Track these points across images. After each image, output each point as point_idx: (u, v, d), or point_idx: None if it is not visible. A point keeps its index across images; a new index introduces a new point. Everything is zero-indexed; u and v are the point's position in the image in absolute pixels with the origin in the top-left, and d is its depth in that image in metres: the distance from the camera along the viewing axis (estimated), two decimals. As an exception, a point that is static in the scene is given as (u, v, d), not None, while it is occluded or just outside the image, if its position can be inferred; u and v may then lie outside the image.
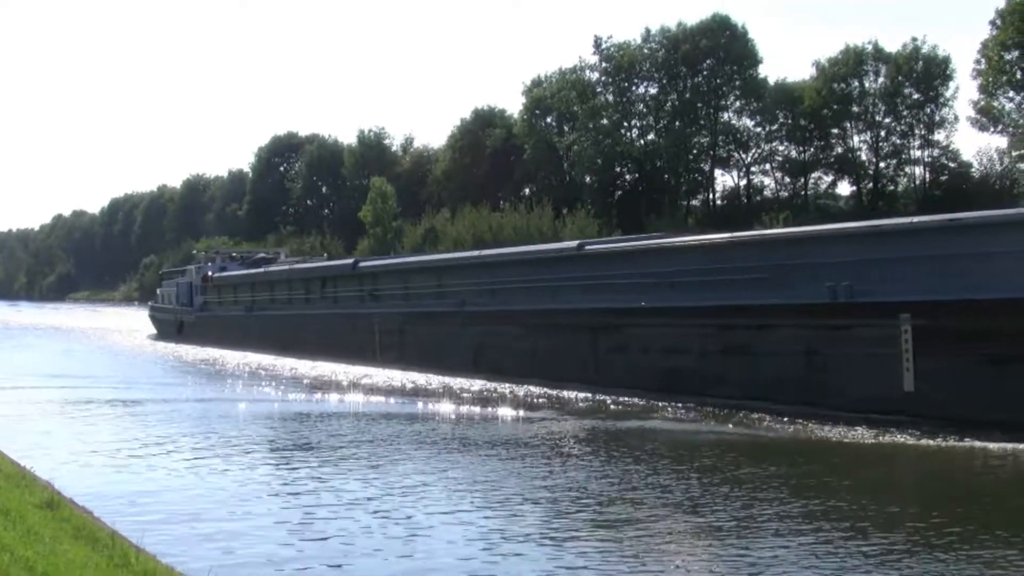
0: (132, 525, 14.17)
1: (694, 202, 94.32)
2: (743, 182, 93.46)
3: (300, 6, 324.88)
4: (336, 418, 27.21)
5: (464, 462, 19.97)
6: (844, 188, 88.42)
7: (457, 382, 33.79)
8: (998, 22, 66.81)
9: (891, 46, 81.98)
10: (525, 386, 31.53)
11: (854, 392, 22.89)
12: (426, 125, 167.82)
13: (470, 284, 37.39)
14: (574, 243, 34.36)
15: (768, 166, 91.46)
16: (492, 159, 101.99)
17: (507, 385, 32.18)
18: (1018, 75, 66.71)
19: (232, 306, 60.82)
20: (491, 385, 32.64)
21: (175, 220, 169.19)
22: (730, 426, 23.20)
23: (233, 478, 18.80)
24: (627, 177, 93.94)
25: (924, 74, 78.84)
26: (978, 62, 68.59)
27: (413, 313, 40.41)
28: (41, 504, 13.55)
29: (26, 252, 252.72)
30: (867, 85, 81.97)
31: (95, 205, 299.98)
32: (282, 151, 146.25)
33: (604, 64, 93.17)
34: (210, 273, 65.09)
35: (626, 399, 27.80)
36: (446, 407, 28.61)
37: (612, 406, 27.31)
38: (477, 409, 28.07)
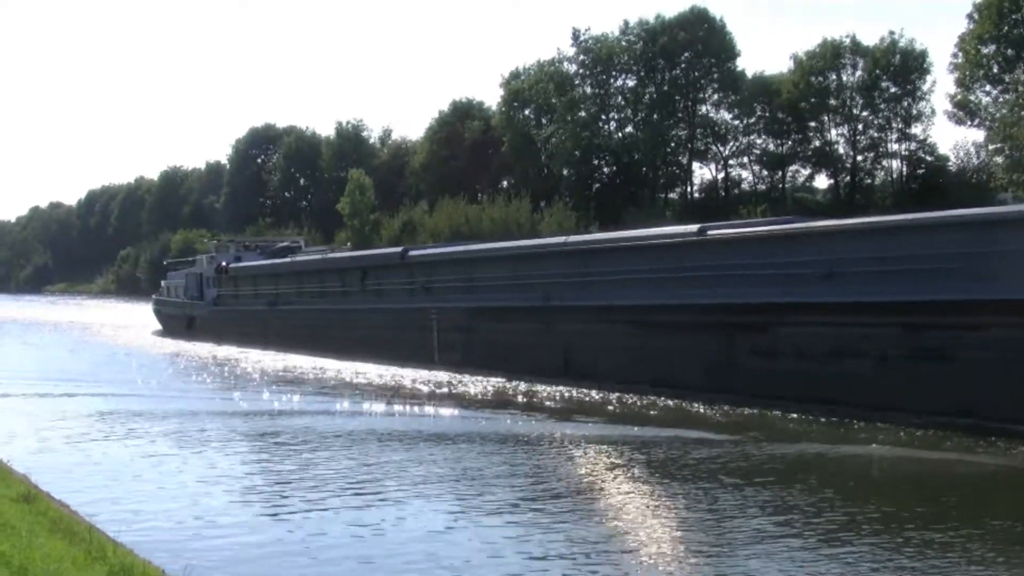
0: (110, 520, 14.05)
1: (672, 195, 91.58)
2: (721, 175, 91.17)
3: None
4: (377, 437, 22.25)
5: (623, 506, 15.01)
6: (822, 181, 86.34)
7: (545, 389, 28.60)
8: (975, 16, 65.49)
9: (869, 39, 79.84)
10: (633, 396, 26.29)
11: None
12: (404, 117, 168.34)
13: (555, 275, 31.70)
14: (694, 227, 28.44)
15: (746, 159, 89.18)
16: (470, 151, 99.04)
17: (611, 394, 26.90)
18: (995, 69, 65.65)
19: (251, 299, 54.47)
20: (600, 395, 27.13)
21: (152, 212, 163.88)
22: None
23: (226, 481, 17.93)
24: (605, 170, 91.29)
25: (901, 68, 76.96)
26: (955, 56, 66.40)
27: (484, 309, 34.66)
28: (18, 498, 13.34)
29: (2, 244, 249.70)
30: (844, 78, 79.73)
31: (72, 197, 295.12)
32: (260, 143, 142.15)
33: (582, 56, 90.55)
34: (224, 264, 58.65)
35: (791, 414, 22.35)
36: (554, 425, 23.08)
37: (776, 423, 21.82)
38: (586, 428, 22.61)
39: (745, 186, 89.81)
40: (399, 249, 43.65)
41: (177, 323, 63.30)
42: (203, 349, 50.47)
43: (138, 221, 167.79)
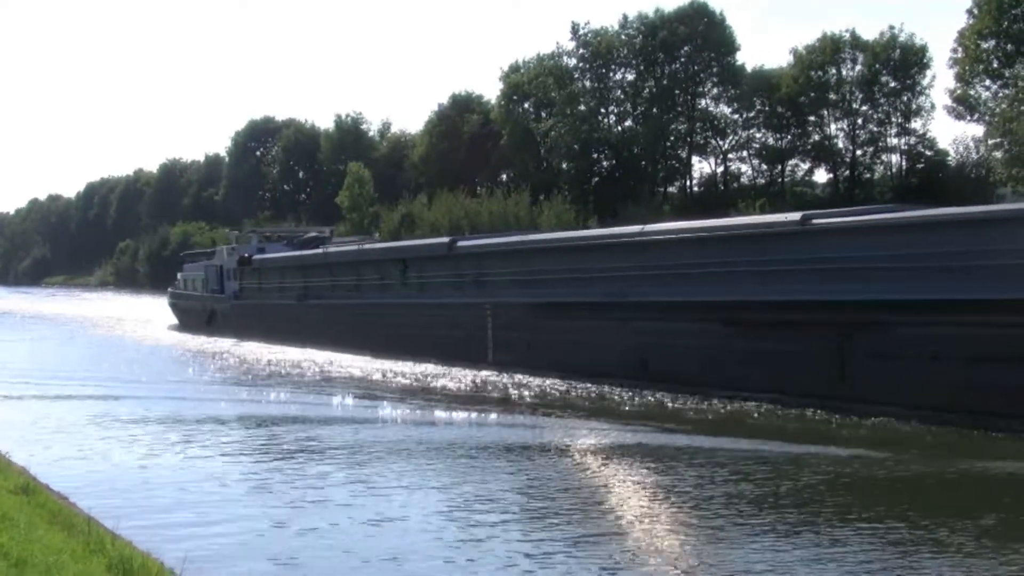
0: (109, 512, 14.02)
1: (671, 189, 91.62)
2: (720, 169, 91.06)
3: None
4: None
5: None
6: (821, 175, 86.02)
7: (623, 393, 26.23)
8: (975, 11, 65.48)
9: (868, 34, 79.78)
10: (733, 404, 23.69)
11: None
12: (403, 110, 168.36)
13: (631, 268, 28.83)
14: (796, 215, 25.64)
15: (745, 153, 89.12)
16: (469, 144, 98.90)
17: (703, 401, 24.37)
18: (994, 64, 65.89)
19: (277, 293, 51.33)
20: (690, 403, 24.43)
21: (151, 205, 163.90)
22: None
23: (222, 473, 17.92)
24: (604, 163, 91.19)
25: (901, 62, 76.84)
26: (955, 51, 66.22)
27: (546, 304, 31.65)
28: (16, 489, 13.31)
29: (1, 237, 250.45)
30: (844, 73, 79.68)
31: (71, 189, 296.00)
32: (259, 136, 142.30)
33: (581, 50, 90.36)
34: (247, 255, 55.20)
35: (915, 423, 20.34)
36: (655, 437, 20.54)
37: (906, 435, 19.52)
38: (699, 439, 20.06)
39: (744, 180, 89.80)
40: (446, 239, 40.33)
41: (196, 318, 60.22)
42: (228, 346, 48.00)
43: (137, 214, 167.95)
